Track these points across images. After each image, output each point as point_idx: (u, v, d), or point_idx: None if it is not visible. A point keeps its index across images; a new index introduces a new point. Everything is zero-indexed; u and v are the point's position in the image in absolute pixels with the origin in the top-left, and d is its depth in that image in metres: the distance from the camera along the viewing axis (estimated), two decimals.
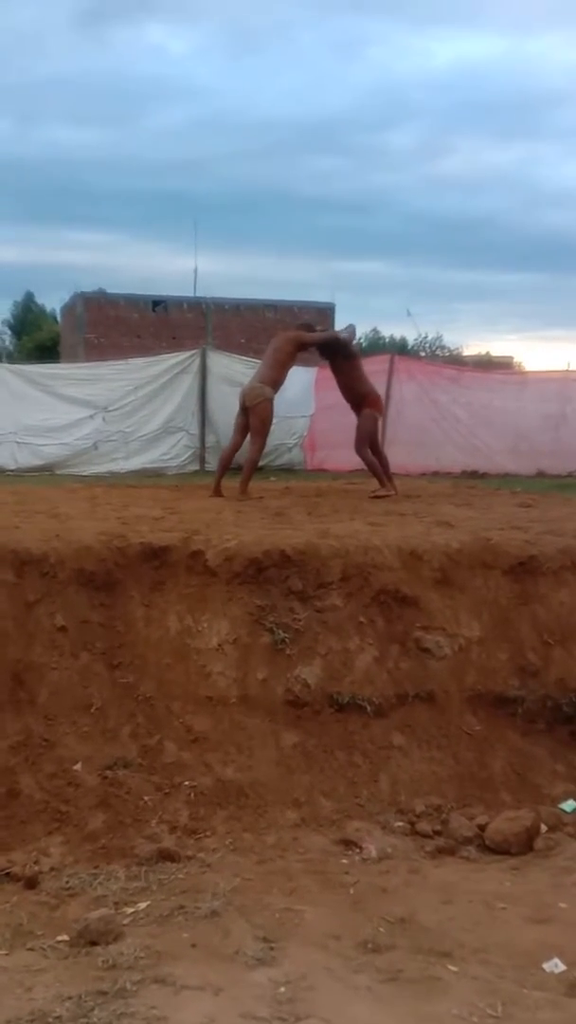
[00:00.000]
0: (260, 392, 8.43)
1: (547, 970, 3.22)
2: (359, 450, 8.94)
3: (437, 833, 4.36)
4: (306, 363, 12.73)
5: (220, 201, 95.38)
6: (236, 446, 8.76)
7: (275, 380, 8.55)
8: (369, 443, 8.97)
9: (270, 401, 8.47)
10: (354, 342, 9.46)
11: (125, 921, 3.49)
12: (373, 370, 15.50)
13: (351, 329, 9.46)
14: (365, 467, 9.29)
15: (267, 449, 14.53)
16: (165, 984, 3.04)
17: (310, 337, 8.92)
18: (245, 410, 8.52)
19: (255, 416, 8.45)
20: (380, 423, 9.59)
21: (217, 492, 8.35)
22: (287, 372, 8.72)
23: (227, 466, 8.78)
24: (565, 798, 4.68)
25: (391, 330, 57.20)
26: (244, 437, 8.68)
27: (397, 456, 14.86)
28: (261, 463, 14.54)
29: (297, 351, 8.78)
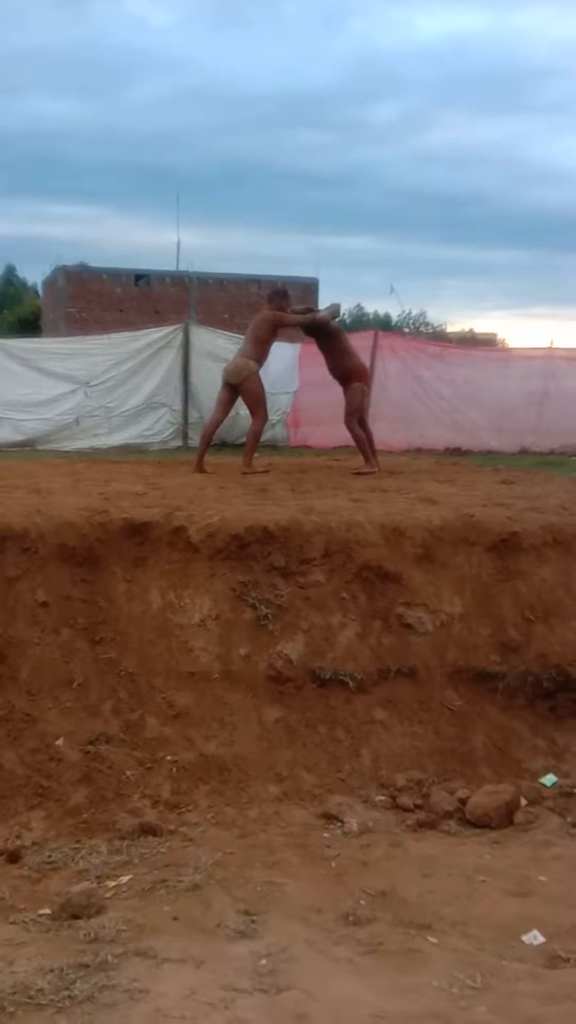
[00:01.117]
0: (244, 367, 8.36)
1: (526, 942, 3.26)
2: (348, 424, 8.91)
3: (418, 807, 4.39)
4: (290, 340, 12.68)
5: (203, 175, 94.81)
6: (217, 422, 8.71)
7: (258, 355, 8.48)
8: (357, 417, 8.95)
9: (255, 374, 8.40)
10: (335, 320, 9.36)
11: (107, 895, 3.50)
12: (357, 346, 15.45)
13: (334, 308, 9.39)
14: (349, 443, 9.25)
15: (248, 425, 14.60)
16: (147, 957, 3.05)
17: (289, 319, 8.83)
18: (228, 387, 8.47)
19: (245, 393, 8.42)
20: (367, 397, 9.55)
21: (199, 468, 8.31)
22: (269, 349, 8.65)
23: (209, 442, 8.74)
24: (545, 772, 4.71)
25: (375, 306, 57.17)
26: (226, 413, 8.66)
27: (381, 432, 14.83)
28: (243, 440, 14.54)
29: (277, 330, 8.72)
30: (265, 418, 8.77)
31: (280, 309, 8.66)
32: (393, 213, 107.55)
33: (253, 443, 8.59)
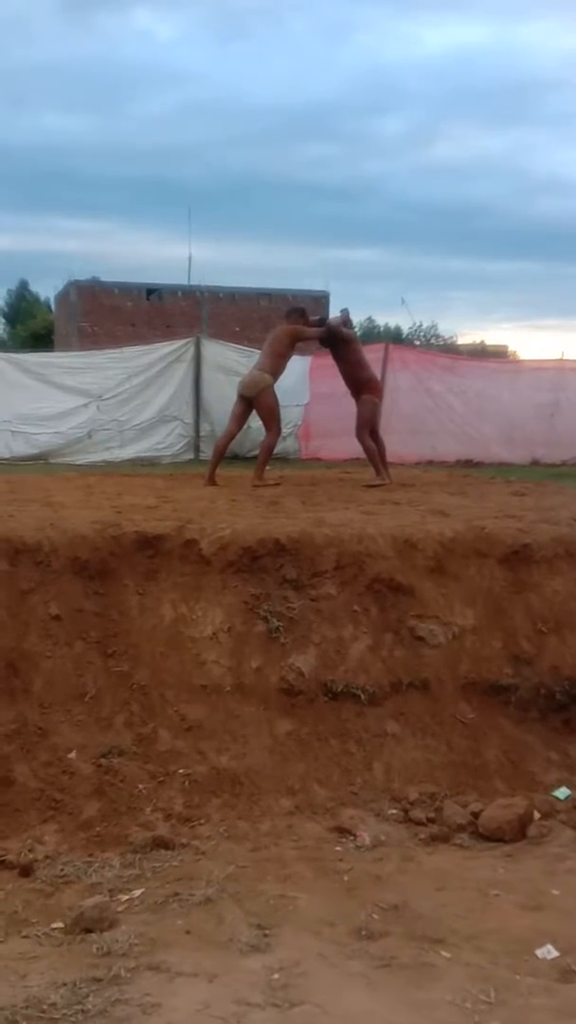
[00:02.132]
0: (260, 380, 8.41)
1: (540, 956, 3.24)
2: (359, 436, 8.93)
3: (431, 820, 4.37)
4: (301, 352, 12.70)
5: (211, 188, 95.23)
6: (231, 435, 8.75)
7: (274, 369, 8.52)
8: (369, 429, 8.96)
9: (270, 387, 8.45)
10: (347, 325, 9.40)
11: (119, 908, 3.50)
12: (368, 359, 15.54)
13: (344, 313, 9.43)
14: (360, 455, 9.28)
15: (261, 438, 14.59)
16: (159, 971, 3.05)
17: (308, 332, 8.88)
18: (243, 400, 8.50)
19: (260, 407, 8.46)
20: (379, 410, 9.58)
21: (211, 481, 8.33)
22: (286, 363, 8.72)
23: (222, 455, 8.76)
24: (558, 785, 4.69)
25: (385, 319, 57.29)
26: (240, 427, 8.72)
27: (392, 445, 14.80)
28: (255, 452, 14.52)
29: (295, 343, 8.76)
30: (279, 432, 8.81)
31: None
32: (401, 225, 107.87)
33: (266, 456, 8.63)
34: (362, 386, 8.93)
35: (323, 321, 9.35)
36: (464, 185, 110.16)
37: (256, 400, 8.41)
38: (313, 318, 9.38)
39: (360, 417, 8.87)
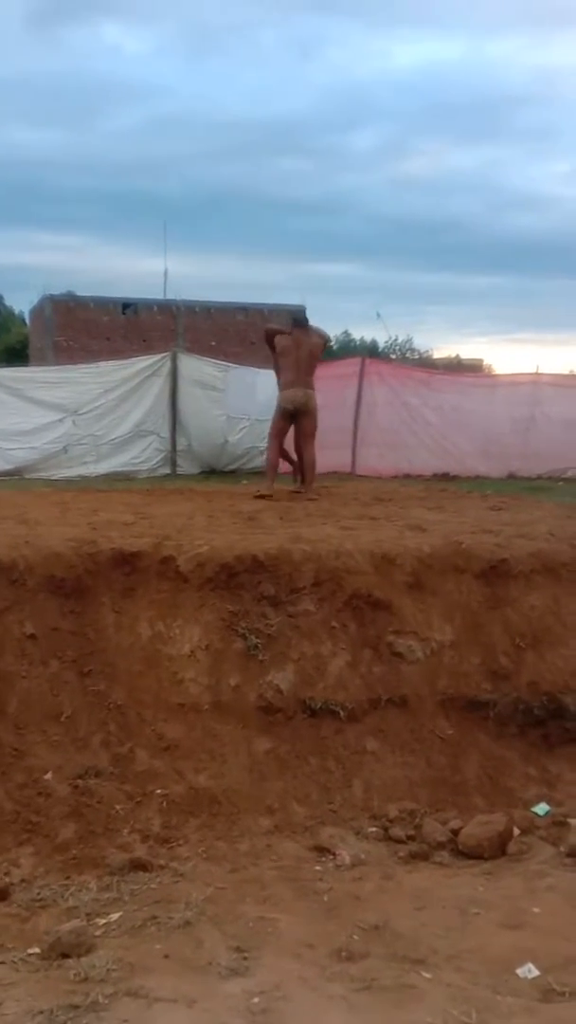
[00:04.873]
0: (311, 397, 9.06)
1: (521, 976, 3.22)
2: (310, 447, 9.29)
3: (411, 838, 4.36)
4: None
5: (185, 203, 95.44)
6: (280, 449, 9.43)
7: (313, 386, 9.20)
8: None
9: (315, 403, 9.19)
10: None
11: (97, 933, 3.45)
12: (344, 372, 15.58)
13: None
14: (336, 469, 9.64)
15: (239, 452, 14.60)
16: (138, 997, 3.01)
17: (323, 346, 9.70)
18: (290, 416, 9.06)
19: (312, 420, 9.09)
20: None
21: (270, 494, 8.60)
22: None
23: (276, 469, 9.39)
24: (537, 801, 4.69)
25: (361, 332, 57.47)
26: (283, 440, 9.38)
27: (368, 458, 14.94)
28: (232, 466, 14.52)
29: None
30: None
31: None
32: (375, 240, 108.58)
33: (314, 469, 9.19)
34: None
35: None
36: (438, 200, 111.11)
37: (310, 414, 9.04)
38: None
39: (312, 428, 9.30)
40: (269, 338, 9.48)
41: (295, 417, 9.12)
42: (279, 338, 9.26)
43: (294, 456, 9.60)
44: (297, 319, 9.79)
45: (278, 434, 9.30)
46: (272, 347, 9.39)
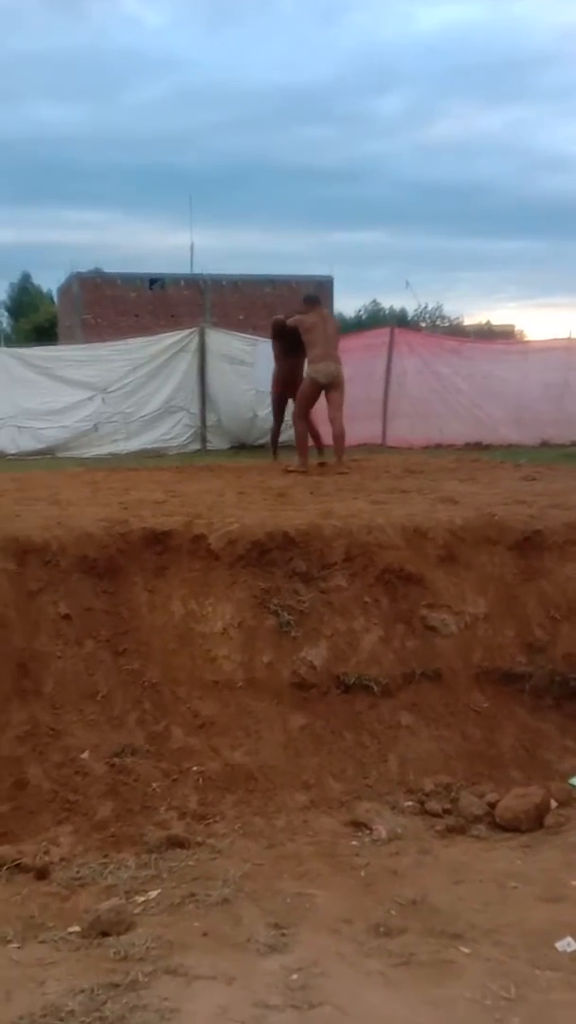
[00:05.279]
0: (341, 371, 9.29)
1: (560, 949, 3.20)
2: (340, 419, 9.40)
3: (447, 812, 4.34)
4: None
5: (210, 175, 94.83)
6: (310, 422, 9.76)
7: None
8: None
9: None
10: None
11: (136, 911, 3.48)
12: (373, 343, 15.45)
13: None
14: (365, 441, 9.78)
15: (268, 427, 14.59)
16: (177, 975, 3.03)
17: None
18: (321, 388, 9.25)
19: (342, 392, 9.28)
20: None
21: (304, 471, 8.83)
22: None
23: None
24: (575, 773, 4.65)
25: (390, 301, 57.02)
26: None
27: (399, 430, 14.83)
28: (262, 441, 14.56)
29: None
30: None
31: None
32: (402, 206, 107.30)
33: (344, 441, 9.36)
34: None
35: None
36: (466, 164, 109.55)
37: (340, 388, 9.22)
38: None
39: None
40: (279, 329, 9.65)
41: (326, 390, 9.10)
42: (302, 317, 9.39)
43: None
44: (310, 297, 10.06)
45: (308, 407, 9.36)
46: (281, 338, 9.71)
